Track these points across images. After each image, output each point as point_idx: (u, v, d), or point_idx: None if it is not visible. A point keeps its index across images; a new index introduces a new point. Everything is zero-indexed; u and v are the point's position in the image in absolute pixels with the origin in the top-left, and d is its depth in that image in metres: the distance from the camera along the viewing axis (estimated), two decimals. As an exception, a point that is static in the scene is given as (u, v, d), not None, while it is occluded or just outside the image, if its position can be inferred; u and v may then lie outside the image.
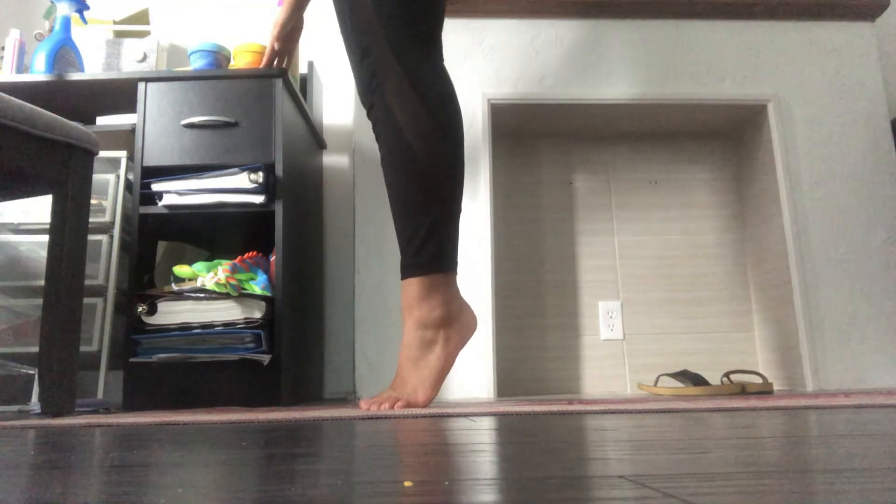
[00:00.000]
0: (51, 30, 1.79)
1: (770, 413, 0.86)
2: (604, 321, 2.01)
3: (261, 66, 1.56)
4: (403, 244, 1.21)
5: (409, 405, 1.14)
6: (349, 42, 1.25)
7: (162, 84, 1.54)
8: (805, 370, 1.77)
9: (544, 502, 0.29)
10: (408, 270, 1.20)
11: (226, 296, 1.38)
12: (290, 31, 1.54)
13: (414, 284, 1.19)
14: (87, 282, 1.42)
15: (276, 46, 1.53)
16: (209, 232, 1.66)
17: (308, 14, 1.57)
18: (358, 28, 1.21)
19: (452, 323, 1.21)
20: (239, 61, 1.65)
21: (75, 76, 1.59)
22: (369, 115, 1.25)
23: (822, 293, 1.83)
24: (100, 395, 1.47)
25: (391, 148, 1.20)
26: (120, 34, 1.92)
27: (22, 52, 1.74)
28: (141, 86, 1.54)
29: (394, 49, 1.19)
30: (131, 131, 1.59)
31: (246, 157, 1.49)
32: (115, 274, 1.52)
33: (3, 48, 1.77)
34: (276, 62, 1.56)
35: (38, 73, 1.61)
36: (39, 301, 1.41)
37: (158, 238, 1.59)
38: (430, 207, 1.19)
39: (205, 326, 1.38)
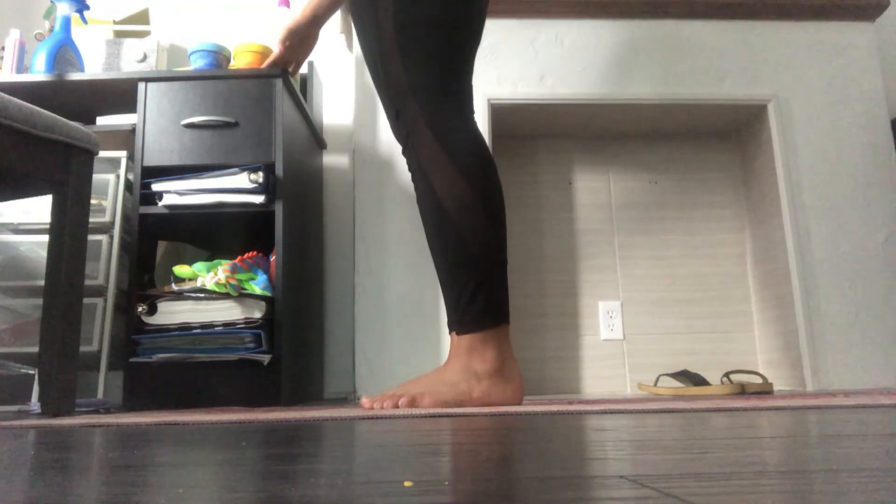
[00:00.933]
0: (51, 30, 1.79)
1: (770, 413, 0.86)
2: (604, 321, 2.01)
3: (264, 66, 1.55)
4: (452, 300, 1.20)
5: (412, 404, 1.13)
6: (384, 102, 1.27)
7: (162, 84, 1.54)
8: (805, 370, 1.77)
9: (544, 502, 0.29)
10: (459, 327, 1.19)
11: (226, 296, 1.38)
12: (302, 41, 1.50)
13: (466, 339, 1.18)
14: (87, 282, 1.42)
15: (281, 47, 1.52)
16: (209, 232, 1.66)
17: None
18: (391, 89, 1.22)
19: (501, 380, 1.17)
20: (239, 61, 1.65)
21: (75, 76, 1.59)
22: (404, 152, 1.26)
23: (822, 293, 1.83)
24: (100, 395, 1.47)
25: (431, 211, 1.20)
26: (120, 34, 1.92)
27: (22, 52, 1.74)
28: (141, 86, 1.54)
29: (424, 114, 1.20)
30: (131, 131, 1.59)
31: (246, 157, 1.49)
32: (115, 274, 1.52)
33: (3, 48, 1.77)
34: (280, 67, 1.54)
35: (38, 73, 1.61)
36: (39, 301, 1.41)
37: (158, 238, 1.59)
38: (474, 268, 1.17)
39: (205, 326, 1.38)
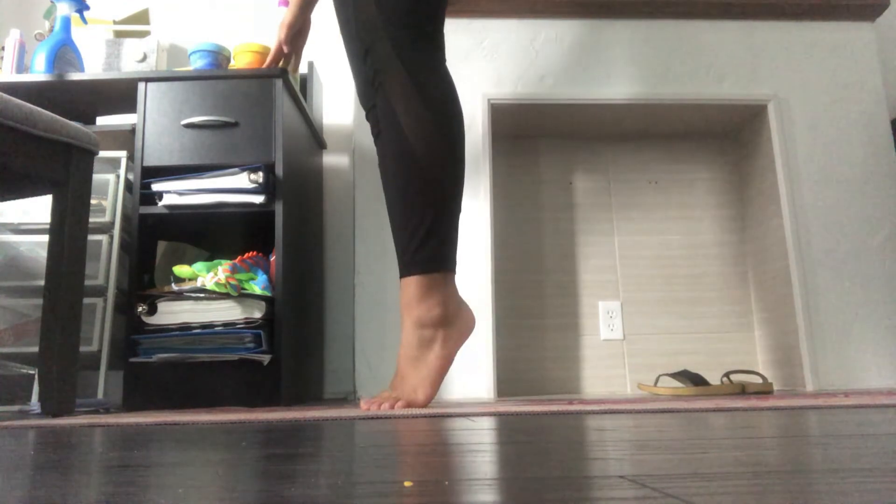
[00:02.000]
0: (51, 30, 1.79)
1: (770, 413, 0.86)
2: (604, 321, 2.01)
3: (264, 65, 1.55)
4: (402, 243, 1.21)
5: (409, 405, 1.14)
6: (351, 41, 1.25)
7: (162, 84, 1.54)
8: (805, 370, 1.77)
9: (544, 502, 0.29)
10: (406, 269, 1.20)
11: (226, 296, 1.38)
12: (297, 32, 1.53)
13: (412, 283, 1.19)
14: (87, 282, 1.42)
15: (286, 49, 1.53)
16: (209, 232, 1.66)
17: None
18: (360, 27, 1.21)
19: (451, 322, 1.21)
20: (239, 61, 1.65)
21: (75, 76, 1.59)
22: (368, 116, 1.25)
23: (822, 293, 1.83)
24: (100, 395, 1.47)
25: (393, 147, 1.20)
26: (120, 34, 1.92)
27: (22, 52, 1.74)
28: (141, 86, 1.54)
29: (396, 49, 1.19)
30: (131, 131, 1.59)
31: (246, 157, 1.49)
32: (115, 274, 1.52)
33: (3, 48, 1.77)
34: (281, 62, 1.55)
35: (38, 73, 1.61)
36: (39, 301, 1.41)
37: (158, 238, 1.59)
38: (429, 207, 1.19)
39: (205, 326, 1.38)
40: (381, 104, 1.20)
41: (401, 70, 1.18)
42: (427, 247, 1.19)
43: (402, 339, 1.21)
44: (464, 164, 1.25)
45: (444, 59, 1.28)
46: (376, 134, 1.24)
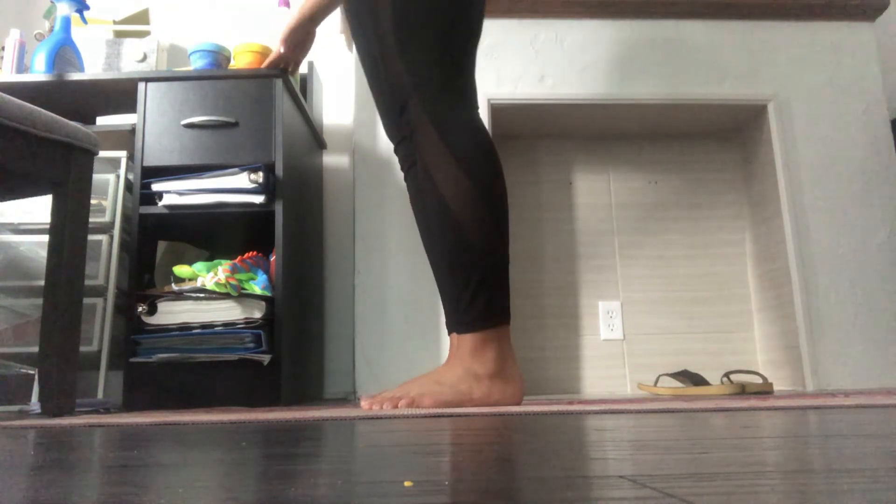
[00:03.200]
0: (51, 30, 1.79)
1: (770, 413, 0.86)
2: (604, 321, 2.01)
3: (263, 66, 1.55)
4: (451, 300, 1.19)
5: (412, 405, 1.12)
6: (381, 101, 1.25)
7: (162, 84, 1.54)
8: (805, 370, 1.77)
9: (544, 502, 0.29)
10: (458, 327, 1.18)
11: (226, 296, 1.38)
12: (300, 40, 1.51)
13: (466, 340, 1.17)
14: (87, 282, 1.42)
15: (283, 49, 1.52)
16: (209, 232, 1.66)
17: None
18: (391, 90, 1.21)
19: (501, 382, 1.16)
20: (239, 61, 1.65)
21: (75, 76, 1.59)
22: (397, 150, 1.25)
23: (822, 293, 1.83)
24: (100, 395, 1.47)
25: (433, 207, 1.19)
26: (120, 34, 1.92)
27: (22, 52, 1.74)
28: (141, 86, 1.54)
29: (427, 111, 1.19)
30: (131, 131, 1.59)
31: (246, 157, 1.49)
32: (115, 274, 1.52)
33: (3, 48, 1.77)
34: (280, 66, 1.54)
35: (38, 73, 1.61)
36: (39, 301, 1.41)
37: (158, 238, 1.59)
38: (476, 266, 1.16)
39: (205, 326, 1.38)
40: (411, 164, 1.21)
41: (431, 130, 1.18)
42: (476, 306, 1.16)
43: (445, 373, 1.17)
44: (507, 215, 1.22)
45: (475, 110, 1.26)
46: (408, 167, 1.24)
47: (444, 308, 1.22)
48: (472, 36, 1.27)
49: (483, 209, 1.18)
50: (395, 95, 1.22)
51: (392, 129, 1.25)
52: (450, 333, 1.22)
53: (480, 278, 1.17)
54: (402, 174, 1.29)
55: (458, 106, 1.22)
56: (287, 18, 1.54)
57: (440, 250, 1.20)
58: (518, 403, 1.19)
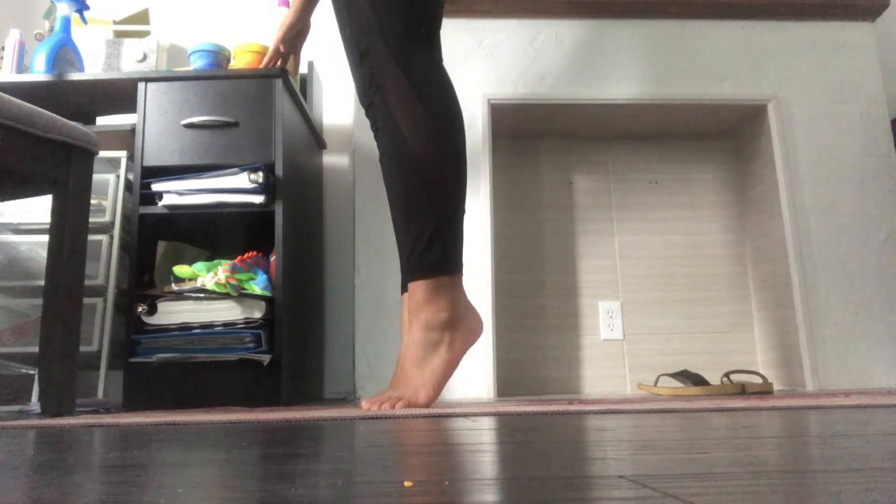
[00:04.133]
0: (51, 30, 1.79)
1: (770, 413, 0.86)
2: (604, 321, 2.01)
3: (261, 66, 1.56)
4: (407, 247, 1.20)
5: (409, 405, 1.14)
6: (348, 45, 1.25)
7: (162, 84, 1.54)
8: (805, 370, 1.77)
9: (544, 502, 0.29)
10: (413, 273, 1.19)
11: (226, 296, 1.38)
12: (296, 33, 1.53)
13: (419, 287, 1.18)
14: (87, 282, 1.42)
15: (282, 48, 1.53)
16: (209, 232, 1.66)
17: (308, 14, 1.57)
18: (356, 31, 1.21)
19: (459, 325, 1.20)
20: (239, 61, 1.65)
21: (75, 76, 1.59)
22: (368, 114, 1.25)
23: (822, 293, 1.83)
24: (100, 395, 1.47)
25: (393, 151, 1.20)
26: (120, 34, 1.92)
27: (22, 52, 1.74)
28: (141, 86, 1.54)
29: (392, 52, 1.19)
30: (131, 131, 1.59)
31: (246, 157, 1.49)
32: (115, 274, 1.52)
33: (3, 48, 1.77)
34: (279, 63, 1.55)
35: (38, 73, 1.61)
36: (39, 301, 1.41)
37: (158, 238, 1.59)
38: (433, 209, 1.18)
39: (205, 326, 1.38)
40: (379, 105, 1.20)
41: (397, 72, 1.18)
42: (433, 250, 1.18)
43: (407, 339, 1.20)
44: (465, 165, 1.24)
45: (440, 59, 1.28)
46: (376, 130, 1.24)
47: (400, 257, 1.23)
48: None
49: (444, 151, 1.20)
50: (357, 38, 1.21)
51: (359, 81, 1.24)
52: (403, 293, 1.23)
53: (437, 224, 1.18)
54: None
55: (423, 50, 1.23)
56: (282, 18, 1.55)
57: (401, 195, 1.21)
58: (481, 332, 1.24)
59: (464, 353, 1.21)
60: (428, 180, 1.18)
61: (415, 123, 1.17)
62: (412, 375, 1.18)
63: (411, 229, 1.19)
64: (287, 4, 1.87)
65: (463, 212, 1.23)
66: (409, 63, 1.19)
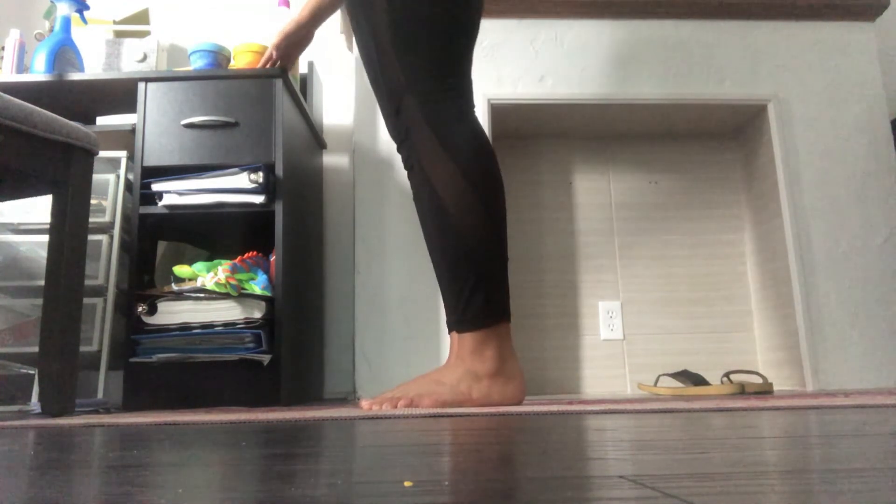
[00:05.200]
0: (51, 30, 1.79)
1: (770, 413, 0.86)
2: (604, 321, 2.01)
3: (258, 66, 1.56)
4: (451, 299, 1.19)
5: (410, 405, 1.13)
6: (381, 102, 1.26)
7: (162, 84, 1.54)
8: (805, 370, 1.77)
9: (544, 502, 0.29)
10: (458, 325, 1.18)
11: (226, 296, 1.38)
12: (297, 41, 1.52)
13: (466, 339, 1.17)
14: (87, 282, 1.42)
15: (274, 55, 1.53)
16: (209, 232, 1.66)
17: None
18: (391, 86, 1.22)
19: (501, 380, 1.17)
20: (239, 61, 1.65)
21: (75, 76, 1.59)
22: (400, 150, 1.25)
23: (822, 293, 1.83)
24: (100, 395, 1.47)
25: (429, 207, 1.20)
26: (120, 34, 1.92)
27: (22, 52, 1.74)
28: (141, 86, 1.54)
29: (422, 111, 1.19)
30: (131, 131, 1.59)
31: (246, 157, 1.49)
32: (115, 274, 1.52)
33: (3, 48, 1.77)
34: (277, 64, 1.55)
35: (38, 73, 1.61)
36: (39, 301, 1.41)
37: (158, 238, 1.59)
38: (473, 265, 1.17)
39: (205, 326, 1.38)
40: (415, 165, 1.21)
41: (426, 129, 1.19)
42: (474, 304, 1.17)
43: (442, 370, 1.18)
44: (505, 216, 1.22)
45: (470, 108, 1.26)
46: (409, 168, 1.24)
47: (445, 307, 1.22)
48: (469, 35, 1.27)
49: (480, 209, 1.18)
50: (391, 95, 1.22)
51: (392, 129, 1.26)
52: (450, 333, 1.22)
53: (479, 277, 1.17)
54: (402, 174, 1.29)
55: (453, 106, 1.23)
56: (283, 22, 1.54)
57: (439, 249, 1.20)
58: (519, 403, 1.19)
59: (490, 405, 1.15)
60: (466, 237, 1.17)
61: (446, 181, 1.17)
62: (427, 383, 1.16)
63: (454, 283, 1.18)
64: (287, 4, 1.87)
65: (506, 261, 1.22)
66: (437, 119, 1.19)
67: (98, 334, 1.49)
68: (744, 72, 1.95)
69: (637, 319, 2.02)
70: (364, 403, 1.15)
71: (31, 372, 1.54)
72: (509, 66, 1.91)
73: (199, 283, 1.38)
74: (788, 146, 1.91)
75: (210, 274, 1.38)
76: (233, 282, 1.37)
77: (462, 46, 1.26)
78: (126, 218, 1.57)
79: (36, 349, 1.21)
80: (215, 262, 1.44)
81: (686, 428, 0.66)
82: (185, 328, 1.39)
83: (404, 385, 1.18)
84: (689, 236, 2.09)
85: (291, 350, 1.49)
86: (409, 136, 1.21)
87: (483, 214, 1.19)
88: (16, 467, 0.47)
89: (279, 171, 1.49)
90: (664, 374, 1.78)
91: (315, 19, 1.47)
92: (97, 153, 1.30)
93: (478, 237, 1.18)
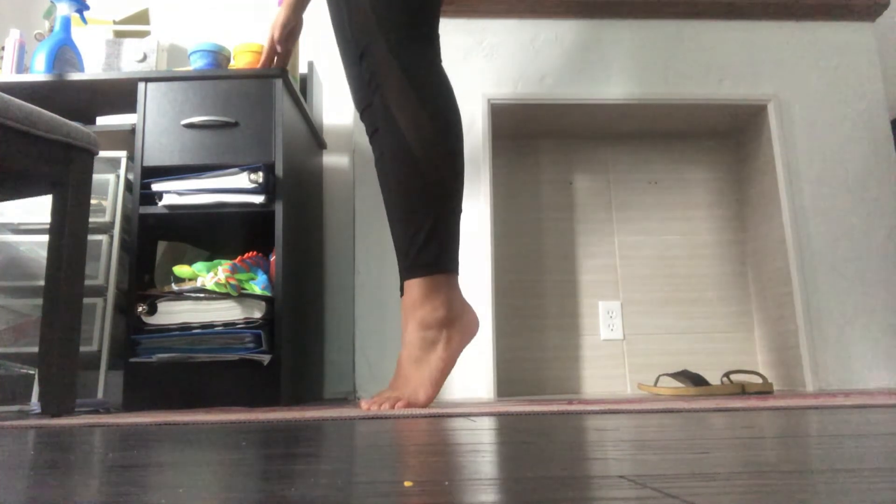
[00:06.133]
0: (51, 30, 1.79)
1: (770, 413, 0.86)
2: (604, 321, 2.01)
3: (259, 65, 1.56)
4: (403, 245, 1.21)
5: (409, 405, 1.14)
6: (346, 44, 1.25)
7: (162, 84, 1.54)
8: (805, 370, 1.77)
9: (544, 502, 0.29)
10: (409, 272, 1.20)
11: (226, 296, 1.38)
12: (290, 31, 1.54)
13: (416, 285, 1.19)
14: (87, 282, 1.42)
15: (279, 48, 1.53)
16: (209, 232, 1.66)
17: (307, 14, 1.57)
18: (356, 30, 1.22)
19: (455, 323, 1.21)
20: (239, 61, 1.65)
21: (75, 76, 1.59)
22: (363, 116, 1.26)
23: (822, 293, 1.83)
24: (100, 395, 1.47)
25: (391, 149, 1.20)
26: (120, 34, 1.92)
27: (22, 52, 1.74)
28: (141, 86, 1.54)
29: (392, 50, 1.19)
30: (131, 131, 1.59)
31: (246, 157, 1.49)
32: (115, 274, 1.52)
33: (3, 48, 1.77)
34: (275, 62, 1.56)
35: (38, 73, 1.61)
36: (39, 301, 1.41)
37: (158, 238, 1.59)
38: (430, 208, 1.19)
39: (205, 326, 1.38)
40: (378, 106, 1.21)
41: (397, 71, 1.19)
42: (429, 248, 1.18)
43: (405, 340, 1.21)
44: (463, 164, 1.25)
45: (439, 59, 1.28)
46: (372, 133, 1.24)
47: (397, 254, 1.23)
48: None
49: (446, 156, 1.21)
50: (358, 37, 1.22)
51: (356, 81, 1.25)
52: (402, 292, 1.23)
53: (434, 223, 1.18)
54: None
55: (423, 50, 1.24)
56: (275, 17, 1.55)
57: (396, 195, 1.21)
58: (476, 330, 1.24)
59: (461, 350, 1.21)
60: (425, 178, 1.19)
61: (414, 122, 1.18)
62: (411, 375, 1.18)
63: (407, 228, 1.20)
64: (287, 4, 1.86)
65: (460, 210, 1.24)
66: (409, 63, 1.20)
67: (98, 334, 1.49)
68: (744, 72, 1.95)
69: (637, 319, 2.02)
70: (363, 404, 1.15)
71: (31, 372, 1.53)
72: (509, 66, 1.91)
73: (199, 283, 1.38)
74: (788, 146, 1.91)
75: (210, 274, 1.38)
76: (233, 282, 1.37)
77: None
78: (126, 218, 1.56)
79: (36, 349, 1.21)
80: (215, 262, 1.44)
81: (686, 428, 0.66)
82: (185, 328, 1.39)
83: (395, 384, 1.20)
84: (689, 236, 2.09)
85: (291, 350, 1.49)
86: (373, 80, 1.20)
87: (449, 162, 1.21)
88: (16, 467, 0.47)
89: (279, 171, 1.49)
90: (664, 374, 1.78)
91: (300, 3, 1.50)
92: (97, 153, 1.30)
93: (441, 183, 1.20)
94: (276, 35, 1.51)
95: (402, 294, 1.24)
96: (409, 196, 1.19)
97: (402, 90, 1.18)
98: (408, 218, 1.20)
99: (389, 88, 1.19)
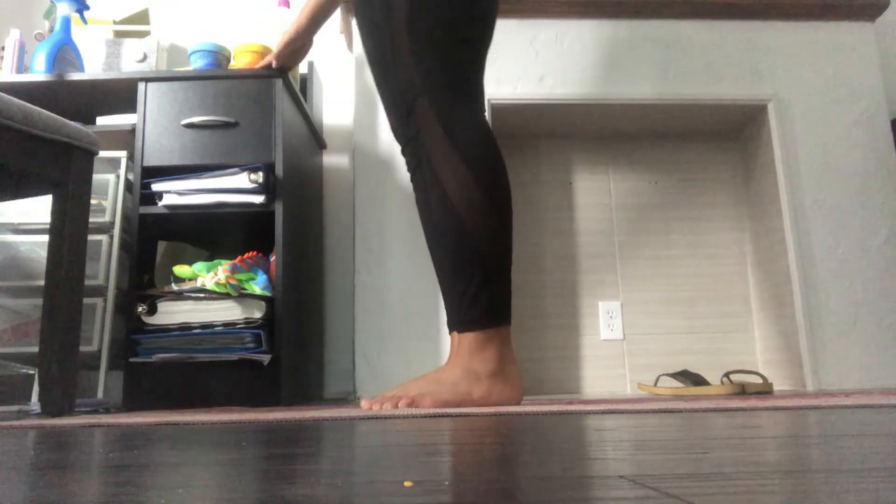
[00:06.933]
0: (51, 30, 1.79)
1: (770, 413, 0.86)
2: (604, 321, 2.01)
3: (256, 66, 1.57)
4: (453, 300, 1.19)
5: (410, 405, 1.12)
6: (389, 101, 1.25)
7: (162, 84, 1.54)
8: (805, 370, 1.77)
9: (544, 502, 0.29)
10: (461, 325, 1.18)
11: (226, 296, 1.38)
12: (298, 48, 1.54)
13: (466, 339, 1.17)
14: (87, 282, 1.42)
15: (274, 65, 1.54)
16: (209, 232, 1.66)
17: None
18: (403, 85, 1.21)
19: (500, 380, 1.17)
20: (239, 61, 1.65)
21: (75, 76, 1.59)
22: (403, 151, 1.25)
23: (822, 293, 1.83)
24: (100, 395, 1.47)
25: (437, 210, 1.20)
26: (120, 34, 1.92)
27: (22, 52, 1.74)
28: (141, 86, 1.54)
29: (436, 113, 1.19)
30: (131, 131, 1.59)
31: (246, 157, 1.49)
32: (115, 274, 1.52)
33: (3, 48, 1.77)
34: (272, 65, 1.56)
35: (38, 73, 1.61)
36: (39, 301, 1.41)
37: (158, 238, 1.59)
38: (478, 267, 1.17)
39: (205, 326, 1.38)
40: (425, 165, 1.21)
41: (440, 133, 1.19)
42: (478, 304, 1.17)
43: (442, 370, 1.18)
44: (511, 219, 1.23)
45: (483, 111, 1.27)
46: (414, 169, 1.24)
47: (447, 307, 1.22)
48: (484, 38, 1.27)
49: (487, 208, 1.19)
50: (403, 95, 1.22)
51: (399, 130, 1.26)
52: (451, 332, 1.22)
53: (483, 277, 1.17)
54: (402, 174, 1.29)
55: (466, 107, 1.23)
56: (285, 28, 1.55)
57: (443, 249, 1.20)
58: (517, 403, 1.19)
59: (489, 405, 1.15)
60: (474, 238, 1.17)
61: (458, 185, 1.17)
62: (428, 383, 1.16)
63: (459, 282, 1.18)
64: (287, 4, 1.87)
65: (510, 263, 1.22)
66: (452, 122, 1.19)
67: (98, 334, 1.49)
68: (744, 72, 1.95)
69: (637, 319, 2.02)
70: (364, 403, 1.15)
71: (31, 372, 1.54)
72: (509, 66, 1.91)
73: (199, 283, 1.38)
74: (788, 146, 1.91)
75: (210, 274, 1.38)
76: (233, 282, 1.37)
77: (478, 48, 1.26)
78: (126, 218, 1.57)
79: (36, 349, 1.21)
80: (215, 262, 1.44)
81: (686, 428, 0.66)
82: (185, 328, 1.39)
83: (405, 385, 1.18)
84: (689, 236, 2.09)
85: (291, 350, 1.49)
86: (418, 138, 1.21)
87: (490, 214, 1.19)
88: (16, 467, 0.47)
89: (279, 171, 1.49)
90: (664, 374, 1.78)
91: (314, 23, 1.49)
92: (97, 153, 1.30)
93: (483, 236, 1.18)
94: (278, 49, 1.52)
95: (450, 332, 1.22)
96: (458, 253, 1.18)
97: (443, 150, 1.18)
98: (456, 273, 1.19)
99: (432, 148, 1.19)
